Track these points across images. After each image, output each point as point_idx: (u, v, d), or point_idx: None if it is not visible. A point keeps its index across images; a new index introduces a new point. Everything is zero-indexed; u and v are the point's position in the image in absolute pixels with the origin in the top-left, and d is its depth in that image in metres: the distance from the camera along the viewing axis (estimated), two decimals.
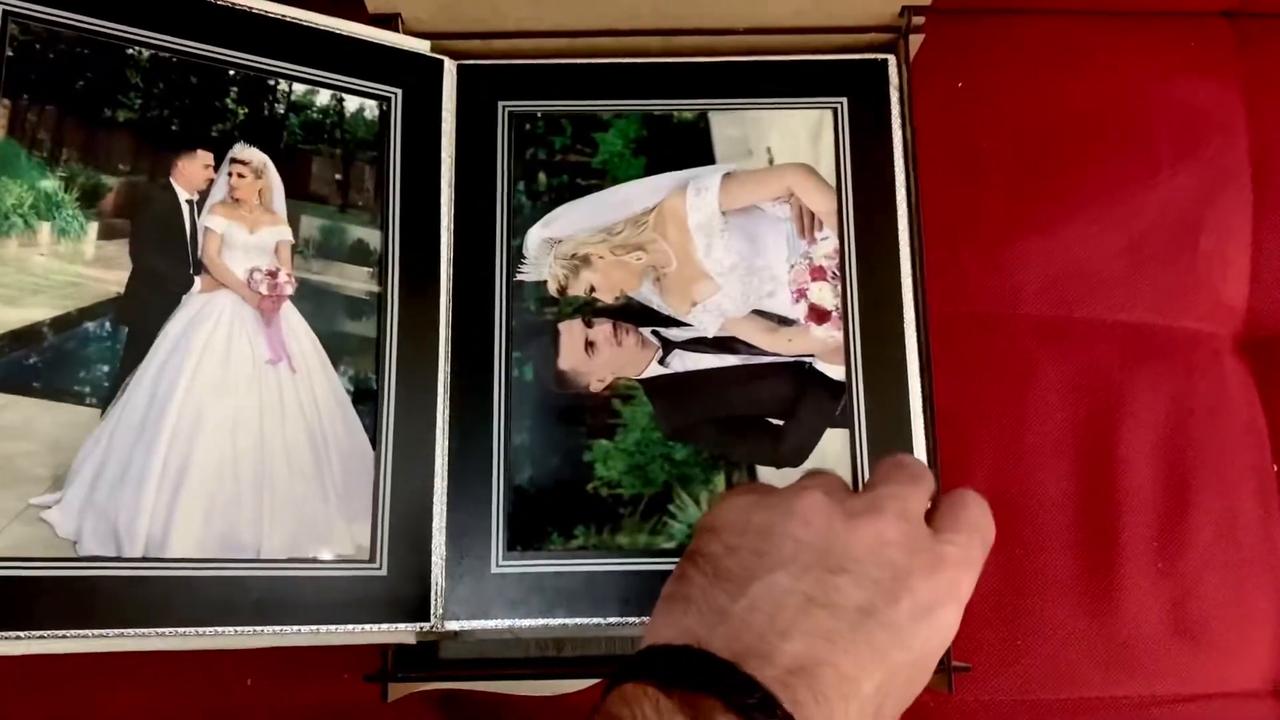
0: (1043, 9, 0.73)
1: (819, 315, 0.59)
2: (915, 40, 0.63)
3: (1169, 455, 0.67)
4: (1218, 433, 0.68)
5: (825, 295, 0.59)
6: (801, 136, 0.61)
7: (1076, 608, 0.65)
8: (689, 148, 0.62)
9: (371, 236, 0.58)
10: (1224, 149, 0.72)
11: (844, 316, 0.59)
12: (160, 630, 0.50)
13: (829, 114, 0.61)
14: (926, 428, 0.58)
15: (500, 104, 0.61)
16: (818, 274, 0.59)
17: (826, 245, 0.59)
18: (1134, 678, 0.64)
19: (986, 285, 0.70)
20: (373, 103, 0.59)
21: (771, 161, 0.61)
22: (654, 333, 0.60)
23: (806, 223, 0.60)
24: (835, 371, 0.58)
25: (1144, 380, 0.68)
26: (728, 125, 0.62)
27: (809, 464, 0.58)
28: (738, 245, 0.60)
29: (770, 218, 0.61)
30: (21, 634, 0.47)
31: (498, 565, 0.56)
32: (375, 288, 0.57)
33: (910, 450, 0.57)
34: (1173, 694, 0.64)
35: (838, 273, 0.59)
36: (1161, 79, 0.73)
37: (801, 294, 0.59)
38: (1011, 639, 0.64)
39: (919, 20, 0.61)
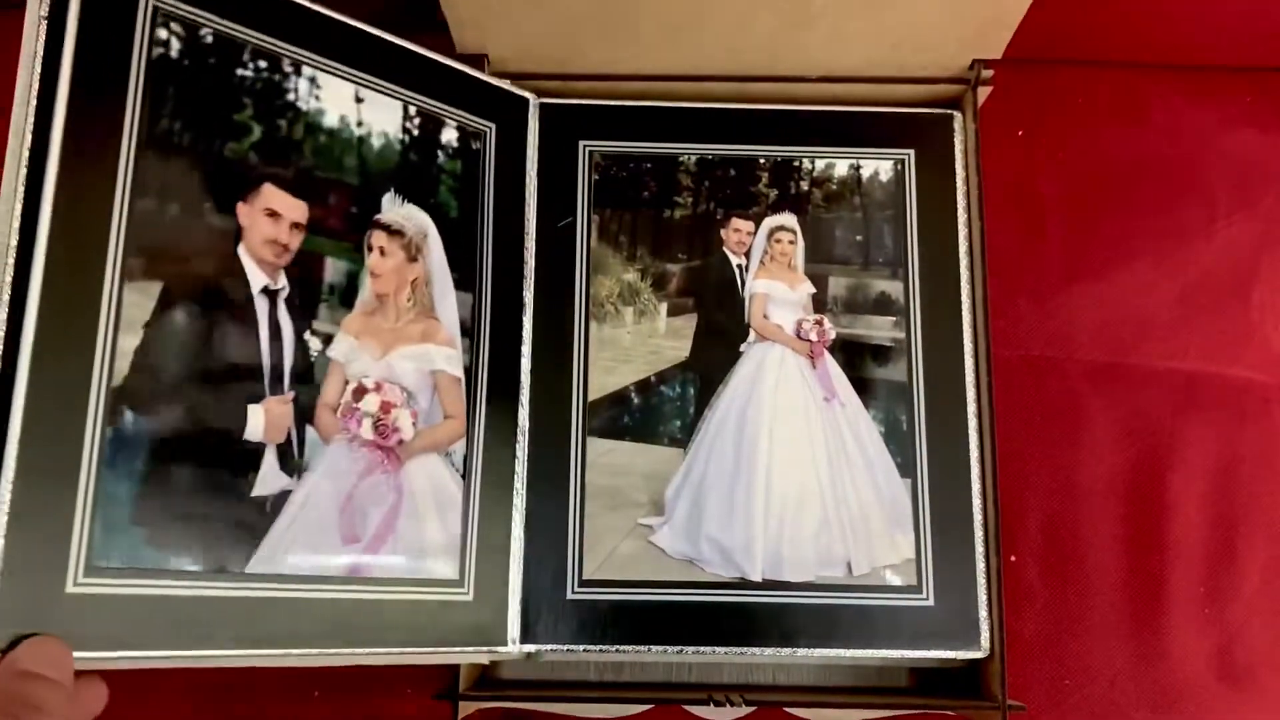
0: (1103, 60, 0.75)
1: None
2: (982, 92, 0.64)
3: (1217, 502, 0.68)
4: (1266, 480, 0.69)
5: None
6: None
7: (1124, 650, 0.66)
8: None
9: None
10: (1279, 201, 0.73)
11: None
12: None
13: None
14: (983, 471, 0.60)
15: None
16: None
17: None
18: None
19: (1042, 329, 0.71)
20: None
21: None
22: None
23: None
24: None
25: (1194, 427, 0.69)
26: None
27: None
28: None
29: None
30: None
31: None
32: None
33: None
34: None
35: None
36: (1219, 131, 0.74)
37: None
38: (1059, 679, 0.66)
39: (988, 74, 0.63)
